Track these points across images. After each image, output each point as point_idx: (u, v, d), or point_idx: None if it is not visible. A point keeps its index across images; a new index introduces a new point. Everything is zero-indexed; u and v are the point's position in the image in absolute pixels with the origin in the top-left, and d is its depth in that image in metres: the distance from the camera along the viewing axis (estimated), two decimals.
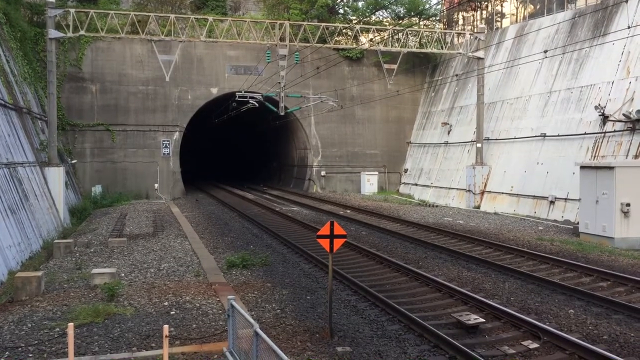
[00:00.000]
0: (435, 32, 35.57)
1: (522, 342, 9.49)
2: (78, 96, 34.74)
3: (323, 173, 40.44)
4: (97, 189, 33.55)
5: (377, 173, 40.40)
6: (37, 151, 23.97)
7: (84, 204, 29.50)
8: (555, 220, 24.58)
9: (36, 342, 9.15)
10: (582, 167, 20.10)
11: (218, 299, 11.77)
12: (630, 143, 22.22)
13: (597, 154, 23.71)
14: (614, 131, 23.25)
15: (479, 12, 39.42)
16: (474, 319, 10.18)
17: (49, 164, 25.13)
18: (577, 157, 24.37)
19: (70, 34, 28.11)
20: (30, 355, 8.63)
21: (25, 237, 16.73)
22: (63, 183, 25.18)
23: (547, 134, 27.09)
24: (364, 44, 37.74)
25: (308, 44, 32.71)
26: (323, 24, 34.07)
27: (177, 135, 36.89)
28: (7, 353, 8.67)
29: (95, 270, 13.33)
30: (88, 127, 34.85)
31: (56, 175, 24.65)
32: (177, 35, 30.43)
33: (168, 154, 36.57)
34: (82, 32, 28.36)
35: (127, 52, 35.69)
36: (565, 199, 24.76)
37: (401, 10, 43.33)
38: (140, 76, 35.97)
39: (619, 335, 9.81)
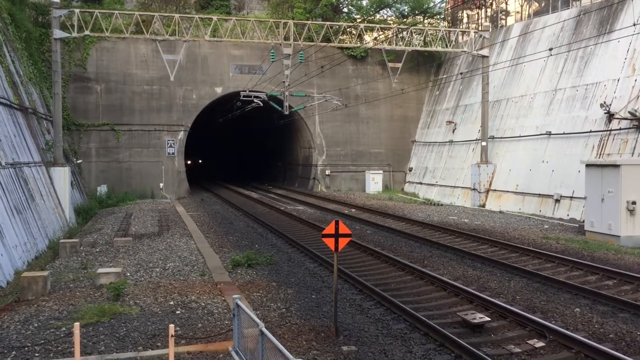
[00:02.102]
0: (440, 30, 35.50)
1: (528, 341, 9.47)
2: (83, 96, 34.85)
3: (328, 172, 40.43)
4: (102, 189, 33.65)
5: (381, 172, 40.37)
6: (42, 151, 24.06)
7: (89, 203, 29.60)
8: (560, 219, 24.51)
9: (42, 341, 9.18)
10: (587, 165, 20.03)
11: (223, 298, 11.78)
12: (636, 141, 22.12)
13: (602, 152, 23.61)
14: (620, 129, 23.15)
15: (483, 10, 39.29)
16: (479, 317, 10.16)
17: (54, 164, 25.21)
18: (583, 155, 24.29)
19: (75, 34, 28.18)
20: (37, 354, 8.66)
21: (31, 236, 16.80)
22: (68, 183, 25.26)
23: (552, 132, 27.01)
24: (368, 42, 37.69)
25: (312, 43, 32.70)
26: (327, 23, 34.06)
27: (181, 135, 36.95)
28: (13, 353, 8.71)
29: (100, 270, 13.37)
30: (93, 127, 34.95)
31: (62, 175, 24.73)
32: (181, 35, 30.45)
33: (173, 153, 36.64)
34: (86, 32, 28.43)
35: (132, 51, 35.77)
36: (571, 197, 24.68)
37: (405, 8, 43.30)
38: (144, 76, 36.05)
39: (625, 334, 9.77)
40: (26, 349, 8.87)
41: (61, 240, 17.95)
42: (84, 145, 34.73)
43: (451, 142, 36.19)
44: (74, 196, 27.25)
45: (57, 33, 26.94)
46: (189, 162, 74.67)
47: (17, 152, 18.73)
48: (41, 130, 25.49)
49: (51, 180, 23.49)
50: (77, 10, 28.62)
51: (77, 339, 7.20)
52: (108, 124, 35.24)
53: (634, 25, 21.58)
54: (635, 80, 23.20)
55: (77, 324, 7.31)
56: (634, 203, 18.14)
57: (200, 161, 76.16)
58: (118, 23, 30.07)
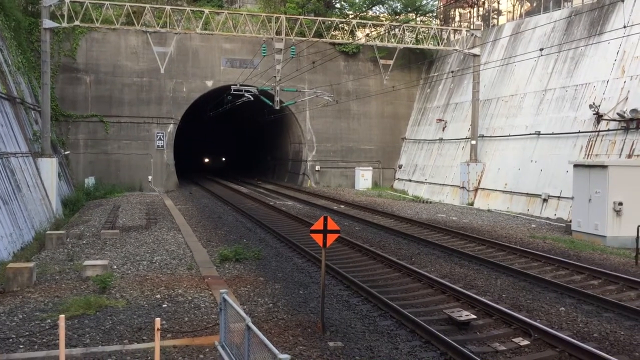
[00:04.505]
0: (432, 28, 35.55)
1: (513, 339, 9.53)
2: (72, 87, 34.55)
3: (317, 168, 40.43)
4: (90, 181, 33.41)
5: (371, 168, 40.42)
6: (30, 142, 23.82)
7: (76, 195, 29.37)
8: (548, 218, 24.67)
9: (27, 333, 9.11)
10: (575, 166, 20.16)
11: (210, 293, 11.75)
12: (624, 142, 22.31)
13: (590, 153, 23.78)
14: (608, 130, 23.33)
15: (475, 9, 39.41)
16: (465, 315, 10.22)
17: (42, 154, 24.98)
18: (571, 155, 24.44)
19: (64, 24, 27.90)
20: (21, 346, 8.59)
21: (17, 227, 16.64)
22: (56, 174, 25.04)
23: (541, 132, 27.16)
24: (360, 39, 37.68)
25: (304, 38, 32.61)
26: (319, 18, 33.97)
27: (171, 128, 36.75)
28: None
29: (87, 262, 13.29)
30: (82, 118, 34.67)
31: (49, 166, 24.51)
32: (172, 27, 30.25)
33: (162, 146, 36.45)
34: (76, 23, 28.18)
35: (122, 43, 35.49)
36: (559, 197, 24.85)
37: (398, 5, 43.34)
38: (135, 68, 35.80)
39: (609, 334, 9.86)
40: (10, 340, 8.80)
41: (48, 232, 17.81)
42: (72, 137, 34.46)
43: (441, 140, 36.30)
44: (61, 187, 27.03)
45: (47, 23, 26.66)
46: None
47: (4, 142, 18.53)
48: (29, 120, 25.23)
49: (38, 171, 23.27)
50: (67, 0, 28.33)
51: (62, 331, 7.15)
52: (97, 116, 34.98)
53: (624, 27, 21.69)
54: (625, 82, 23.38)
55: (62, 316, 7.25)
56: (620, 204, 18.29)
57: (189, 155, 75.89)
58: (108, 14, 29.80)
